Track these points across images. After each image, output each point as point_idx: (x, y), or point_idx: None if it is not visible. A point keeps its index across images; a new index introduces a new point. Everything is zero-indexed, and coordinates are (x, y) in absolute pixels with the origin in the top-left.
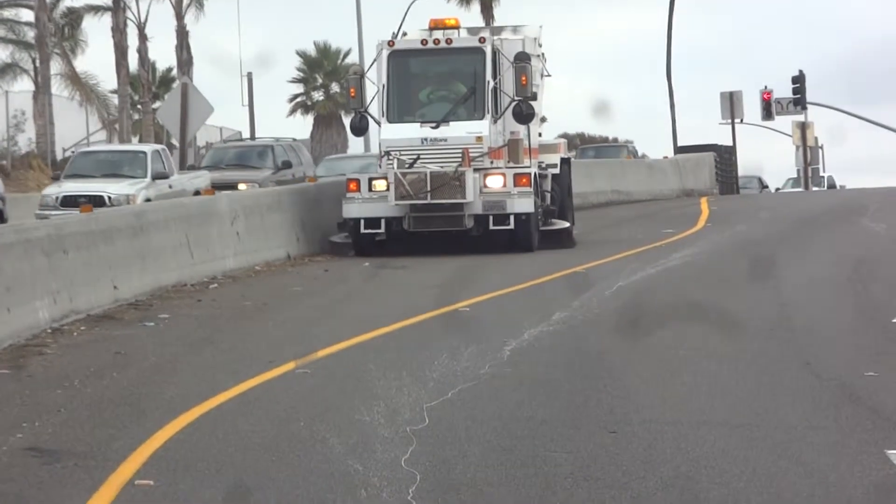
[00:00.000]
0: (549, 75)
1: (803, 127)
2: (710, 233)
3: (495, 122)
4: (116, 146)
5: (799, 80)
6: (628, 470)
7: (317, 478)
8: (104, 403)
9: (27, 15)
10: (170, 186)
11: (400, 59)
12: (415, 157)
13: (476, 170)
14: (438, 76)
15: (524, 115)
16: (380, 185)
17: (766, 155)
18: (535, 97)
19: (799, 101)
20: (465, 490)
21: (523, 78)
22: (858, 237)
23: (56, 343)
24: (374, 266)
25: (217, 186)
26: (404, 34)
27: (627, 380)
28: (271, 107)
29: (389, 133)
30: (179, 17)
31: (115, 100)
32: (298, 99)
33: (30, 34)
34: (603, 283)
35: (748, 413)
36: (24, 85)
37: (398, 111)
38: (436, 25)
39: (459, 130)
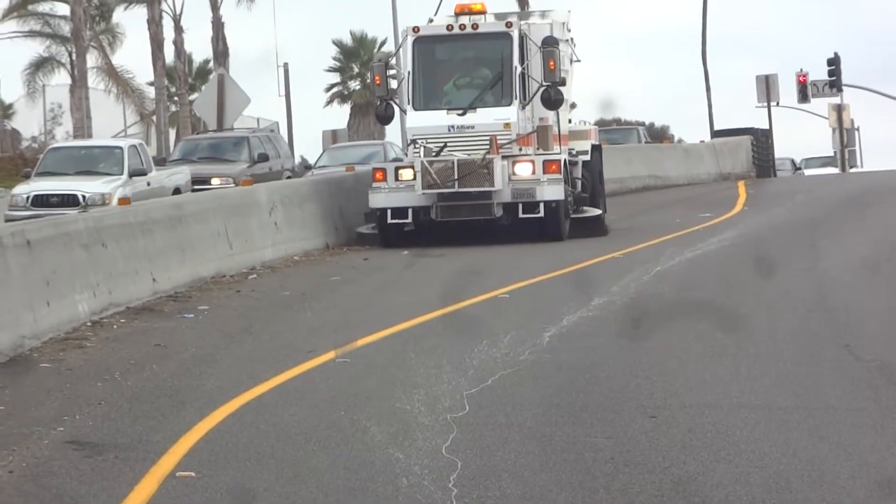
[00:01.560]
0: (578, 60)
1: (839, 109)
2: (748, 216)
3: (523, 108)
4: (91, 141)
5: (834, 63)
6: (668, 454)
7: (358, 466)
8: (144, 396)
9: (62, 8)
10: (148, 184)
11: (425, 46)
12: (442, 144)
13: (504, 157)
14: (465, 62)
15: (553, 100)
16: (406, 174)
17: (803, 138)
18: (563, 82)
19: (835, 83)
20: (506, 476)
21: (551, 63)
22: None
23: (96, 336)
24: (412, 254)
25: None
26: (430, 21)
27: (667, 364)
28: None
29: (415, 121)
30: (215, 8)
31: (151, 92)
32: (335, 89)
33: (65, 28)
34: (641, 268)
35: (788, 395)
36: (61, 79)
37: (424, 98)
38: (462, 11)
39: (487, 117)
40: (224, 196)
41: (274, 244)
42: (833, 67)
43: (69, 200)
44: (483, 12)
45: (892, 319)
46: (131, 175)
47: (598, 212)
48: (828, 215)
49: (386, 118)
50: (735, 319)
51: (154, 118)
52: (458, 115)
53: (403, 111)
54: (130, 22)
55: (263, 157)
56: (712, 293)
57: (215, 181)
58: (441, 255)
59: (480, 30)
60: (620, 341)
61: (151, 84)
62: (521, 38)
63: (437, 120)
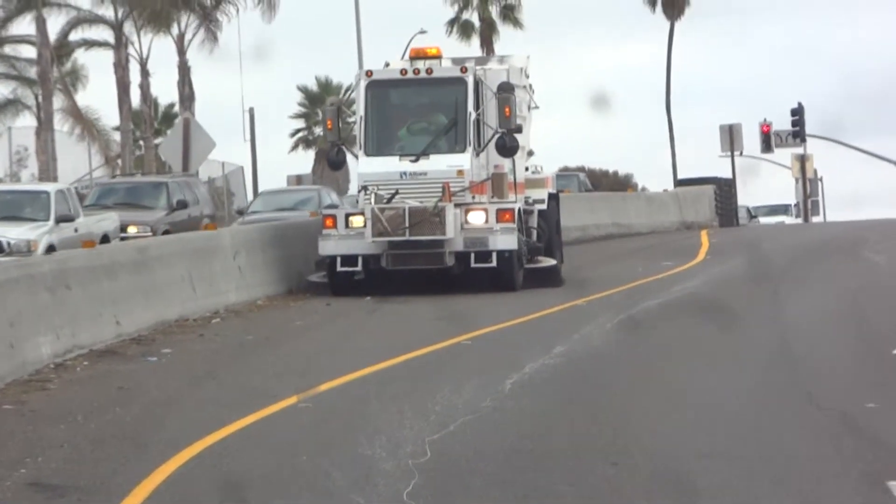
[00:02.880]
0: (536, 107)
1: (802, 159)
2: (710, 265)
3: (478, 155)
4: (16, 186)
5: (798, 113)
6: (630, 501)
7: None
8: (107, 438)
9: (27, 50)
10: (75, 230)
11: (378, 90)
12: (393, 191)
13: (457, 205)
14: (419, 107)
15: (508, 147)
16: (357, 221)
17: (766, 187)
18: (519, 129)
19: (798, 133)
20: None
21: (507, 109)
22: (858, 269)
23: (59, 378)
24: (374, 301)
25: None
26: (386, 64)
27: (629, 412)
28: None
29: (367, 167)
30: (182, 52)
31: (117, 136)
32: (300, 134)
33: (31, 70)
34: (603, 316)
35: (750, 444)
36: (27, 121)
37: (376, 144)
38: (417, 55)
39: (440, 164)
40: (188, 240)
41: (238, 288)
42: (797, 118)
43: None
44: (438, 57)
45: (853, 369)
46: (58, 221)
47: (553, 262)
48: (790, 265)
49: (337, 163)
50: (697, 369)
51: (119, 161)
52: (411, 161)
53: (355, 156)
54: (96, 64)
55: (182, 204)
56: (674, 342)
57: (132, 229)
58: (403, 301)
59: (435, 74)
60: (582, 389)
61: (117, 128)
62: (477, 83)
63: (388, 166)
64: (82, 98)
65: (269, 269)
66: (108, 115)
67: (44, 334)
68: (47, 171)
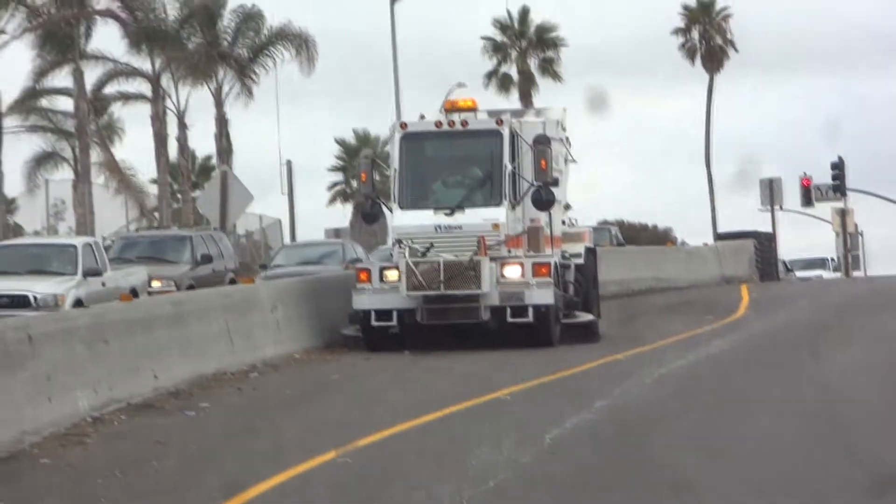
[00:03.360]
0: (574, 160)
1: (843, 214)
2: (750, 320)
3: (513, 208)
4: (43, 239)
5: (838, 167)
6: None
7: None
8: (145, 493)
9: (64, 103)
10: (103, 284)
11: (413, 143)
12: (428, 245)
13: (493, 259)
14: (454, 160)
15: (544, 201)
16: (391, 274)
17: (806, 241)
18: (556, 182)
19: (838, 187)
20: None
21: (542, 162)
22: None
23: (96, 432)
24: (413, 355)
25: None
26: (422, 117)
27: (671, 466)
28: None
29: (402, 220)
30: (219, 104)
31: (154, 189)
32: (338, 187)
33: (68, 123)
34: (644, 370)
35: (792, 498)
36: (64, 174)
37: (411, 197)
38: (452, 107)
39: (475, 217)
40: (226, 294)
41: (275, 342)
42: (837, 171)
43: (19, 301)
44: (474, 109)
45: (895, 423)
46: (85, 275)
47: (590, 317)
48: (831, 320)
49: (372, 216)
50: (738, 423)
51: (157, 214)
52: (446, 214)
53: (390, 209)
54: (133, 117)
55: (207, 259)
56: (715, 396)
57: (155, 284)
58: (441, 355)
59: (470, 127)
60: (622, 444)
61: (154, 181)
62: (513, 135)
63: (423, 219)
64: (119, 150)
65: (307, 323)
66: (146, 167)
67: (81, 388)
68: (84, 224)
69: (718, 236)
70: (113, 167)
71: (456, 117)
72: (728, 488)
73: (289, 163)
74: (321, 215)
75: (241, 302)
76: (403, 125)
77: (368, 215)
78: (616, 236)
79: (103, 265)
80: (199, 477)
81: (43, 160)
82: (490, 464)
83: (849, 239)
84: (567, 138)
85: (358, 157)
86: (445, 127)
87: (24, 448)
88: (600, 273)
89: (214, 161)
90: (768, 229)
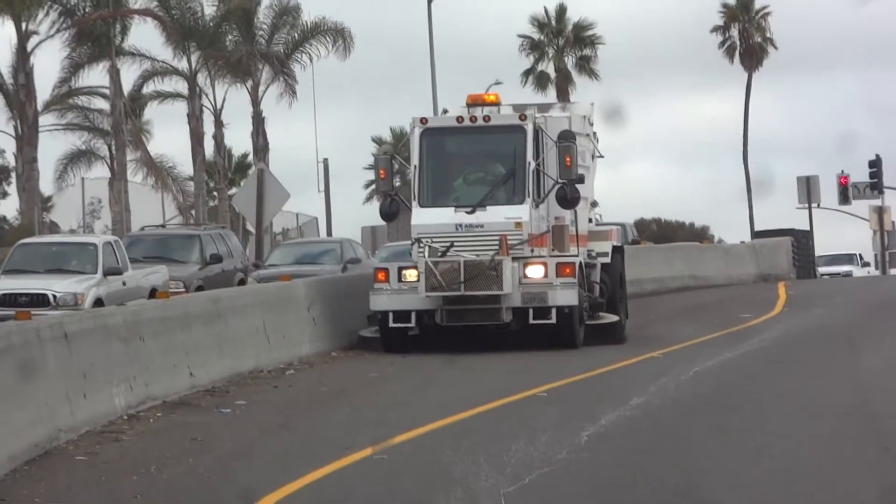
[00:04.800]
0: (601, 156)
1: (880, 211)
2: (788, 317)
3: (537, 206)
4: (63, 237)
5: (876, 165)
6: None
7: None
8: (180, 490)
9: (99, 102)
10: (123, 283)
11: (433, 138)
12: (448, 244)
13: (515, 258)
14: (475, 156)
15: (569, 199)
16: (410, 274)
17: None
18: (581, 180)
19: (876, 185)
20: None
21: (567, 158)
22: None
23: (132, 429)
24: (448, 354)
25: None
26: (445, 111)
27: (705, 464)
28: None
29: (421, 218)
30: (255, 103)
31: (191, 186)
32: (374, 185)
33: (103, 121)
34: (679, 367)
35: (828, 498)
36: (100, 171)
37: (431, 194)
38: (474, 101)
39: (497, 216)
40: (262, 291)
41: (311, 340)
42: (875, 170)
43: (39, 300)
44: (497, 104)
45: None
46: (106, 274)
47: (615, 318)
48: (868, 318)
49: (390, 215)
50: (774, 421)
51: (193, 212)
52: (467, 212)
53: (409, 207)
54: (170, 115)
55: (216, 259)
56: (751, 394)
57: None
58: (476, 354)
59: (492, 122)
60: (659, 441)
61: (191, 179)
62: (536, 131)
63: (443, 217)
64: (156, 148)
65: (343, 321)
66: (182, 165)
67: (117, 385)
68: (121, 221)
69: (756, 234)
70: (150, 164)
71: (478, 112)
72: (763, 487)
73: (325, 161)
74: (358, 213)
75: (277, 299)
76: (424, 120)
77: (387, 213)
78: (631, 232)
79: (124, 264)
80: (235, 474)
81: (75, 158)
82: (526, 460)
83: (886, 236)
84: (594, 133)
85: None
86: (467, 122)
87: (59, 445)
88: (637, 270)
89: (251, 159)
90: (805, 227)
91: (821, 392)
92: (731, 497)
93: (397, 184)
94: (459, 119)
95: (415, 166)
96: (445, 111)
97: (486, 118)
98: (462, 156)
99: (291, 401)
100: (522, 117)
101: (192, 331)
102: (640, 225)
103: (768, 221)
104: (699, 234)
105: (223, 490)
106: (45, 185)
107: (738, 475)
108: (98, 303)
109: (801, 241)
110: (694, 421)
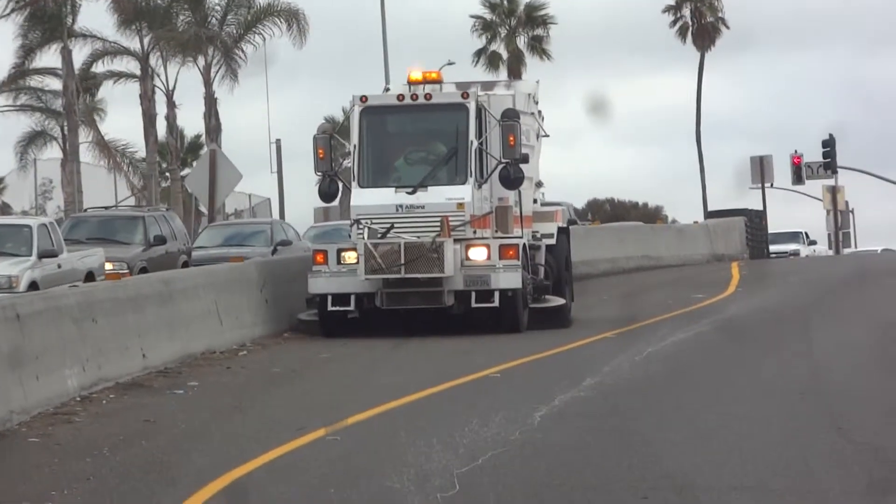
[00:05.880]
0: (546, 135)
1: (834, 191)
2: (741, 298)
3: (479, 186)
4: None
5: (829, 144)
6: None
7: None
8: (133, 472)
9: (53, 83)
10: (59, 266)
11: (373, 117)
12: (388, 225)
13: (457, 240)
14: (416, 136)
15: (512, 179)
16: (349, 256)
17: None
18: (525, 159)
19: (829, 164)
20: None
21: (511, 138)
22: (889, 300)
23: (85, 411)
24: (397, 336)
25: None
26: (387, 90)
27: (659, 445)
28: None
29: (361, 199)
30: (208, 83)
31: (145, 166)
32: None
33: (57, 102)
34: (633, 348)
35: (781, 478)
36: (53, 153)
37: (371, 175)
38: (415, 80)
39: (438, 196)
40: (214, 273)
41: (264, 321)
42: (828, 149)
43: None
44: (439, 81)
45: (885, 402)
46: (41, 256)
47: (561, 301)
48: (821, 297)
49: (329, 195)
50: (728, 401)
51: (145, 193)
52: (408, 193)
53: (348, 187)
54: (122, 96)
55: (160, 240)
56: (705, 374)
57: (107, 266)
58: (428, 337)
59: (434, 100)
60: (612, 421)
61: (143, 160)
62: (479, 109)
63: (383, 198)
64: (109, 128)
65: (296, 302)
66: (136, 146)
67: (70, 367)
68: (73, 202)
69: (709, 214)
70: (102, 146)
71: (419, 90)
72: (716, 467)
73: (278, 141)
74: (311, 193)
75: (230, 280)
76: (364, 98)
77: (326, 194)
78: (570, 212)
79: (59, 247)
80: (188, 456)
81: (31, 140)
82: (479, 441)
83: (839, 216)
84: (539, 112)
85: (345, 135)
86: (408, 100)
87: (12, 427)
88: (591, 251)
89: (203, 140)
90: (759, 207)
91: (775, 372)
92: (687, 477)
93: (349, 164)
94: (400, 97)
95: (354, 146)
96: (387, 89)
97: (428, 96)
98: (403, 135)
99: (244, 382)
100: (465, 95)
101: (144, 312)
102: (594, 205)
103: (722, 202)
104: (653, 215)
105: (177, 471)
106: None
107: (693, 455)
108: (33, 286)
109: (755, 221)
110: (648, 401)
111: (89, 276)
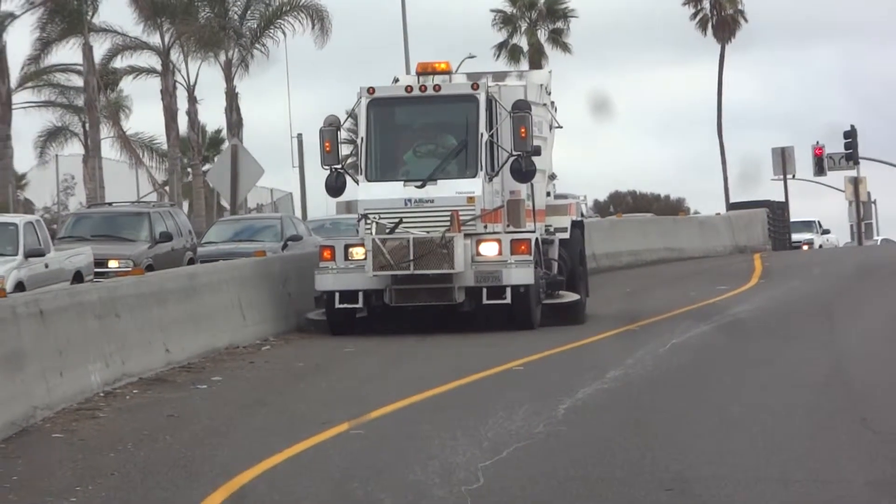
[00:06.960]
0: (559, 126)
1: (856, 182)
2: (764, 289)
3: (490, 180)
4: None
5: (851, 135)
6: None
7: None
8: (157, 467)
9: (75, 79)
10: (46, 265)
11: (381, 109)
12: (396, 220)
13: (467, 235)
14: (425, 128)
15: (524, 171)
16: (357, 252)
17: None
18: (538, 151)
19: (851, 156)
20: None
21: (522, 129)
22: None
23: (109, 406)
24: (414, 333)
25: None
26: (395, 80)
27: (683, 437)
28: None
29: (368, 193)
30: (229, 79)
31: (165, 162)
32: (350, 160)
33: (78, 99)
34: (656, 340)
35: (805, 469)
36: (74, 149)
37: (379, 168)
38: (424, 70)
39: (448, 190)
40: (238, 267)
41: (287, 316)
42: (850, 140)
43: None
44: (448, 72)
45: None
46: (27, 255)
47: (575, 297)
48: (844, 288)
49: (337, 189)
50: (751, 392)
51: (167, 188)
52: (417, 187)
53: (356, 181)
54: (143, 91)
55: (166, 237)
56: (729, 366)
57: (112, 263)
58: (449, 333)
59: (443, 91)
60: (636, 414)
61: (165, 155)
62: (490, 101)
63: (392, 192)
64: (132, 124)
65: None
66: (159, 141)
67: (93, 362)
68: (95, 198)
69: (731, 206)
70: (124, 140)
71: (428, 81)
72: (742, 458)
73: (299, 136)
74: None
75: (253, 275)
76: (371, 90)
77: (333, 188)
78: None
79: (46, 245)
80: (212, 451)
81: (52, 135)
82: (503, 434)
83: (861, 207)
84: (552, 103)
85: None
86: (416, 91)
87: (36, 422)
88: (613, 243)
89: (225, 135)
90: (781, 199)
91: (798, 363)
92: (711, 469)
93: (353, 158)
94: (408, 88)
95: (361, 138)
96: (396, 80)
97: (437, 87)
98: (412, 127)
99: (268, 377)
100: (475, 86)
101: (167, 307)
102: (616, 198)
103: (743, 193)
104: (675, 207)
105: (200, 466)
106: (20, 163)
107: (717, 447)
108: (19, 286)
109: (777, 212)
110: (672, 393)
111: (77, 277)
